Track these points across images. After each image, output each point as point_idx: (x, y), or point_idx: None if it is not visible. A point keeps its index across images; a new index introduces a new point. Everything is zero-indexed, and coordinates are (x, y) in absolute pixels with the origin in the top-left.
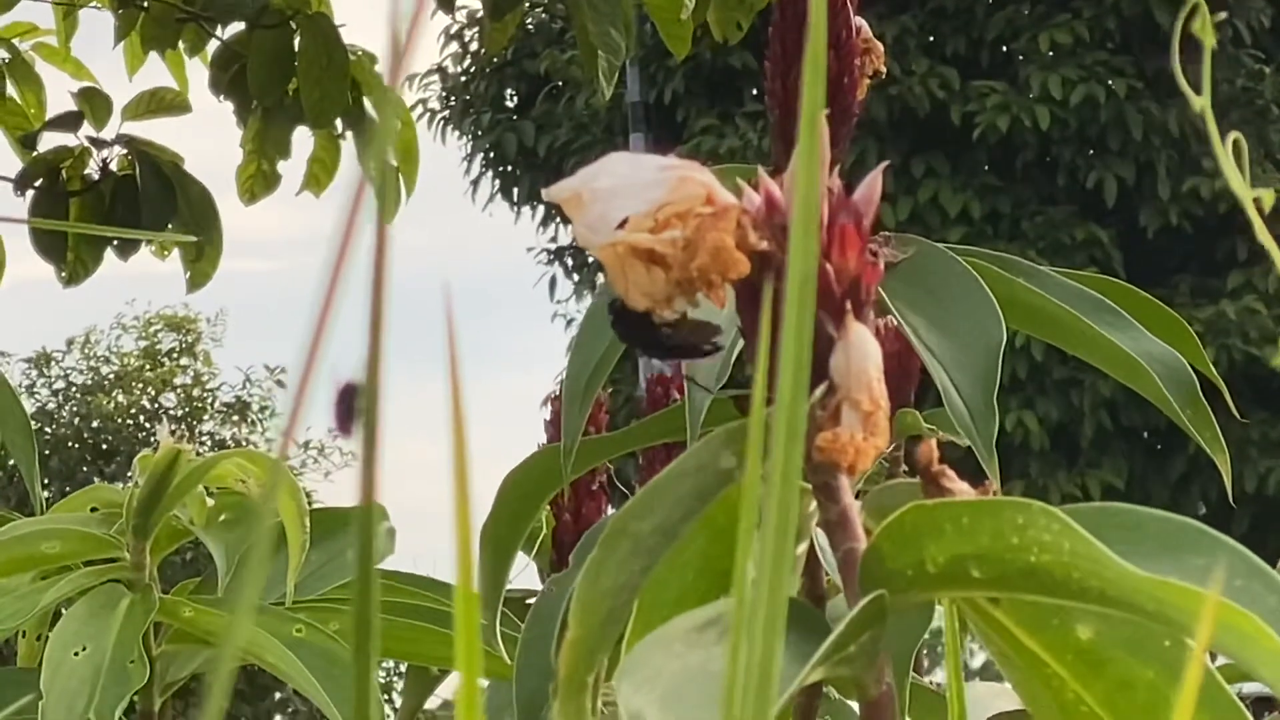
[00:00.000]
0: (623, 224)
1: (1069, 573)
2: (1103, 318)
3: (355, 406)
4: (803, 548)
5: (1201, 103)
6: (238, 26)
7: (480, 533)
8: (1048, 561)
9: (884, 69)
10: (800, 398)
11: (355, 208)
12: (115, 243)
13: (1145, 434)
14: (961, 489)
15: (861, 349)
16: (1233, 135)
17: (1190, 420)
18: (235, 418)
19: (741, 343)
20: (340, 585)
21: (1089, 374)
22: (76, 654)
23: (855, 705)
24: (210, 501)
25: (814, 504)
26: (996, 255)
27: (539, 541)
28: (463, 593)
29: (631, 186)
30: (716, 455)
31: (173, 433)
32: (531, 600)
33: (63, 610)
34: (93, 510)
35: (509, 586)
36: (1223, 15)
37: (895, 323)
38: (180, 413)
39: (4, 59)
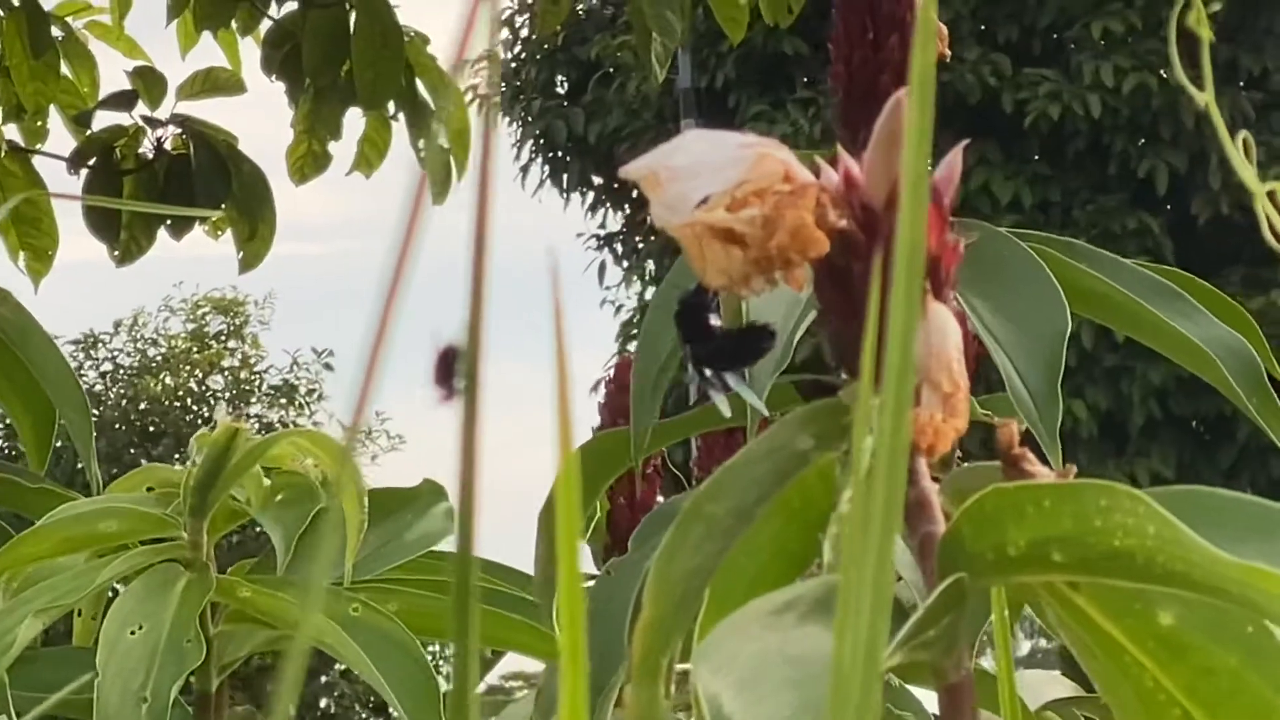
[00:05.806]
0: (702, 202)
1: (1153, 556)
2: (1167, 304)
3: (455, 369)
4: None
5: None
6: (290, 6)
7: (539, 516)
8: (1131, 545)
9: (947, 53)
10: (908, 372)
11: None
12: (169, 221)
13: (1194, 423)
14: (1042, 472)
15: (942, 330)
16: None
17: (1256, 408)
18: (283, 400)
19: (793, 325)
20: (398, 566)
21: (1139, 362)
22: (133, 632)
23: (915, 690)
24: (267, 482)
25: None
26: (1060, 240)
27: (592, 525)
28: (568, 587)
29: (710, 164)
30: (793, 437)
31: (229, 413)
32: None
33: (119, 589)
34: (149, 490)
35: None
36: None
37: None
38: (228, 395)
39: (58, 37)
